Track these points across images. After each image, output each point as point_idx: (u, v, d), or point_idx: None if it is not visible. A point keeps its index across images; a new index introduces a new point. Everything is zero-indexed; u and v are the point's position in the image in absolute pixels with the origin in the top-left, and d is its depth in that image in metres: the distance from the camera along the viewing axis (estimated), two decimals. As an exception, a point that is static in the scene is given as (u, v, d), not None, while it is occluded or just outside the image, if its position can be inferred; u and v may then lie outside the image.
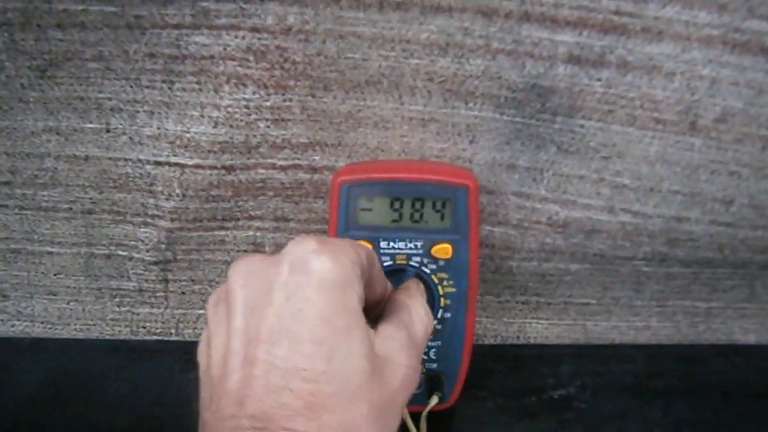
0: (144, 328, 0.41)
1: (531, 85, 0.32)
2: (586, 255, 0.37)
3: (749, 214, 0.34)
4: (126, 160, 0.35)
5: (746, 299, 0.41)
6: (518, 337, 0.41)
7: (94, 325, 0.41)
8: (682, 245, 0.35)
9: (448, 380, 0.33)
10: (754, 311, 0.41)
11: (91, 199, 0.36)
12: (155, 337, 0.41)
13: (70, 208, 0.37)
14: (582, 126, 0.33)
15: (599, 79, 0.31)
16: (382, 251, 0.31)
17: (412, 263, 0.32)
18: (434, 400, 0.32)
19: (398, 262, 0.32)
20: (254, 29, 0.31)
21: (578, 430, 0.35)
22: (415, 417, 0.31)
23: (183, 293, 0.40)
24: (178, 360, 0.39)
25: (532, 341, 0.41)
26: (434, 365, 0.33)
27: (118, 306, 0.40)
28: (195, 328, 0.41)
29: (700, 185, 0.33)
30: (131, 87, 0.32)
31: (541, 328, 0.41)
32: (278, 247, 0.36)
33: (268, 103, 0.33)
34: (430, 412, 0.33)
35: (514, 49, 0.31)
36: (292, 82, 0.32)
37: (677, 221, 0.34)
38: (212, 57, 0.31)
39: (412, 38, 0.31)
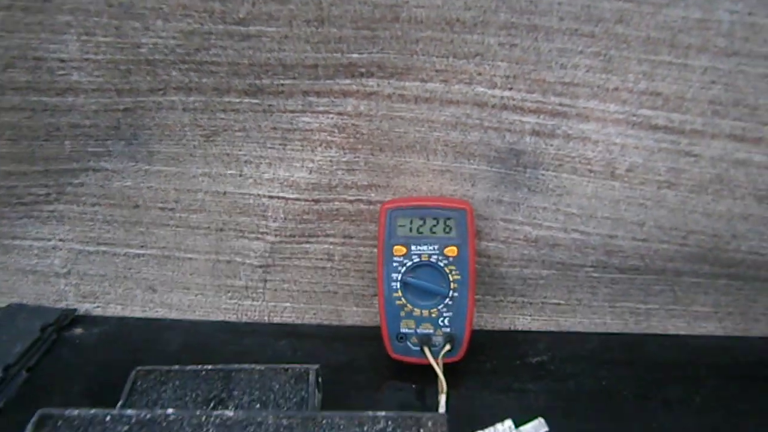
0: (246, 315, 0.58)
1: (510, 149, 0.51)
2: (552, 263, 0.54)
3: (656, 232, 0.51)
4: (250, 194, 0.54)
5: (672, 302, 0.57)
6: (510, 328, 0.58)
7: (212, 312, 0.58)
8: (615, 255, 0.53)
9: (457, 339, 0.50)
10: (679, 312, 0.57)
11: (223, 221, 0.55)
12: (253, 320, 0.58)
13: (208, 227, 0.56)
14: (543, 174, 0.51)
15: (552, 145, 0.50)
16: (412, 252, 0.50)
17: (431, 260, 0.50)
18: (447, 347, 0.49)
19: (423, 258, 0.50)
20: (339, 113, 0.50)
21: (548, 380, 0.51)
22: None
23: (275, 290, 0.58)
24: (268, 337, 0.56)
25: (519, 329, 0.58)
26: (448, 329, 0.50)
27: (230, 299, 0.58)
28: (281, 317, 0.58)
29: (621, 213, 0.51)
30: (260, 147, 0.52)
31: (526, 322, 0.58)
32: (343, 258, 0.55)
33: (344, 159, 0.52)
34: (446, 364, 0.49)
35: (498, 127, 0.50)
36: (360, 146, 0.52)
37: (610, 238, 0.52)
38: (311, 130, 0.51)
39: (435, 119, 0.50)
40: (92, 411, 0.40)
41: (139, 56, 0.47)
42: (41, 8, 0.44)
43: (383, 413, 0.40)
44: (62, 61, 0.46)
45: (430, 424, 0.39)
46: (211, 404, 0.45)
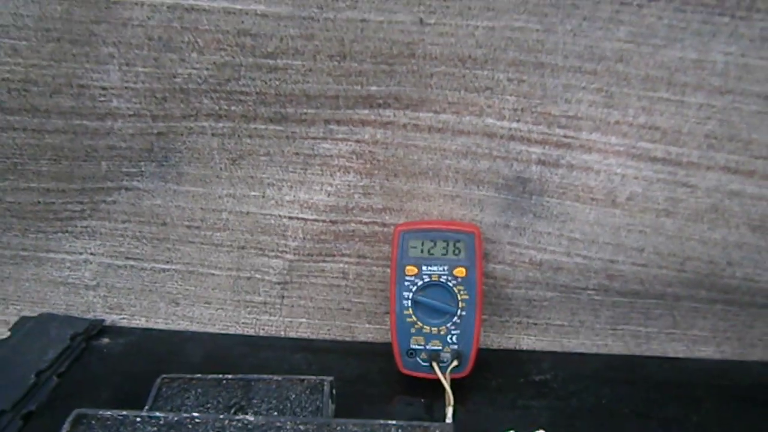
0: (263, 329, 0.61)
1: (516, 177, 0.54)
2: (555, 285, 0.57)
3: (655, 259, 0.54)
4: (271, 215, 0.57)
5: (672, 326, 0.59)
6: (515, 347, 0.60)
7: (231, 326, 0.61)
8: (616, 279, 0.55)
9: (464, 356, 0.53)
10: (679, 336, 0.60)
11: (245, 239, 0.59)
12: (270, 334, 0.61)
13: (231, 245, 0.59)
14: (548, 201, 0.54)
15: (556, 174, 0.53)
16: (423, 272, 0.53)
17: (441, 280, 0.53)
18: (455, 363, 0.52)
19: (433, 278, 0.53)
20: (357, 141, 0.54)
21: (551, 398, 0.54)
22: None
23: (292, 306, 0.61)
24: (284, 351, 0.59)
25: (524, 349, 0.60)
26: (455, 346, 0.53)
27: (249, 313, 0.61)
28: (297, 332, 0.61)
29: (621, 239, 0.54)
30: (282, 171, 0.56)
31: (531, 342, 0.60)
32: (357, 277, 0.58)
33: (361, 183, 0.55)
34: (453, 380, 0.52)
35: (506, 156, 0.54)
36: (376, 171, 0.55)
37: (611, 262, 0.55)
38: (331, 156, 0.55)
39: (447, 148, 0.54)
40: (124, 412, 0.43)
41: (174, 85, 0.50)
42: (87, 41, 0.48)
43: (393, 422, 0.43)
44: (104, 88, 0.50)
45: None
46: (232, 411, 0.48)
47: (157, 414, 0.42)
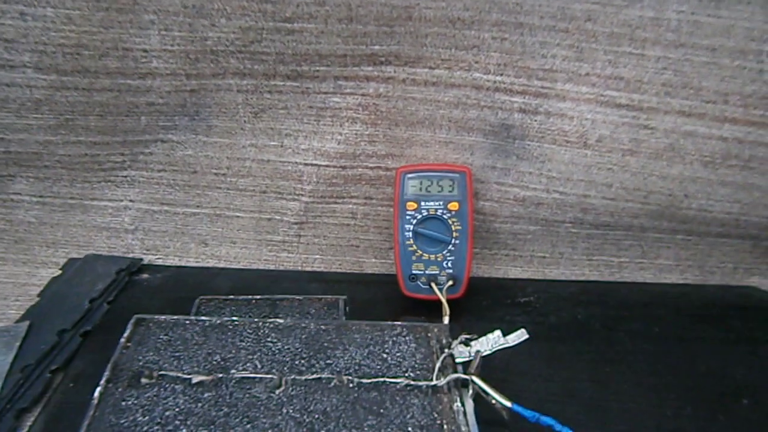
0: (282, 265, 0.70)
1: (501, 124, 0.63)
2: (537, 220, 0.66)
3: (622, 193, 0.62)
4: (289, 162, 0.66)
5: (641, 256, 0.68)
6: (503, 277, 0.69)
7: (254, 262, 0.70)
8: (589, 212, 0.64)
9: (458, 278, 0.62)
10: (647, 265, 0.68)
11: (266, 184, 0.67)
12: (289, 269, 0.70)
13: (254, 190, 0.67)
14: (529, 145, 0.63)
15: (536, 120, 0.62)
16: (421, 207, 0.61)
17: (438, 213, 0.61)
18: (450, 283, 0.60)
19: (430, 212, 0.61)
20: (362, 94, 0.62)
21: (533, 315, 0.62)
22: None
23: (307, 244, 0.69)
24: (302, 282, 0.68)
25: (511, 278, 0.69)
26: (451, 270, 0.62)
27: (269, 251, 0.70)
28: (312, 266, 0.70)
29: (592, 176, 0.62)
30: (298, 123, 0.64)
31: (517, 272, 0.69)
32: (365, 216, 0.67)
33: (367, 132, 0.64)
34: (449, 300, 0.61)
35: (492, 105, 0.62)
36: (379, 121, 0.63)
37: (584, 197, 0.63)
38: (340, 108, 0.63)
39: (441, 99, 0.62)
40: (175, 317, 0.51)
41: (205, 47, 0.59)
42: (131, 9, 0.56)
43: (399, 322, 0.52)
44: (145, 51, 0.59)
45: (435, 330, 0.51)
46: (262, 321, 0.56)
47: (203, 318, 0.51)
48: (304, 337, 0.50)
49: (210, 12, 0.56)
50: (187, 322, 0.51)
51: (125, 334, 0.49)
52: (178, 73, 0.60)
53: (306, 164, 0.65)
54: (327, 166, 0.65)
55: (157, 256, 0.70)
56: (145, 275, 0.68)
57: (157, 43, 0.58)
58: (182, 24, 0.57)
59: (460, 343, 0.50)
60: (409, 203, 0.61)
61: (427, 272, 0.61)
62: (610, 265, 0.68)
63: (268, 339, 0.49)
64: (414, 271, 0.62)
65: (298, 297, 0.59)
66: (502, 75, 0.60)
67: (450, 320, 0.57)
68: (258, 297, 0.59)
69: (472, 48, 0.59)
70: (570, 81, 0.59)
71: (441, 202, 0.61)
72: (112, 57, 0.58)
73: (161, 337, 0.49)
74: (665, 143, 0.60)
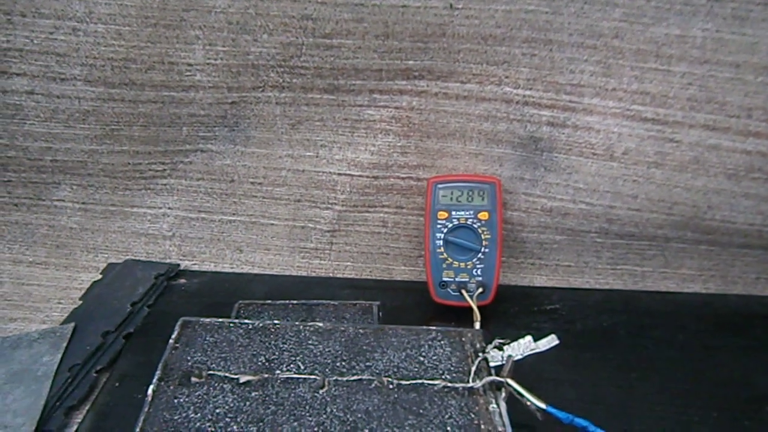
0: (314, 272, 0.72)
1: (530, 137, 0.65)
2: (563, 230, 0.67)
3: (647, 204, 0.64)
4: (323, 172, 0.68)
5: (664, 266, 0.70)
6: (529, 284, 0.71)
7: (287, 269, 0.72)
8: (615, 223, 0.66)
9: (487, 286, 0.64)
10: (670, 274, 0.70)
11: (300, 193, 0.69)
12: (321, 276, 0.72)
13: (288, 198, 0.70)
14: (556, 157, 0.65)
15: (563, 133, 0.64)
16: (452, 216, 0.63)
17: (468, 222, 0.63)
18: (480, 290, 0.62)
19: (461, 221, 0.63)
20: (396, 107, 0.64)
21: (560, 322, 0.64)
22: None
23: (339, 252, 0.72)
24: (334, 288, 0.70)
25: (537, 286, 0.71)
26: (480, 277, 0.64)
27: (302, 258, 0.72)
28: (344, 273, 0.72)
29: (618, 187, 0.64)
30: (333, 134, 0.66)
31: (543, 280, 0.71)
32: (395, 225, 0.69)
33: (399, 144, 0.66)
34: (478, 307, 0.62)
35: (521, 119, 0.64)
36: (411, 133, 0.65)
37: (610, 208, 0.65)
38: (374, 120, 0.65)
39: (471, 113, 0.64)
40: (220, 319, 0.54)
41: (247, 61, 0.61)
42: (178, 25, 0.59)
43: (434, 327, 0.54)
44: (189, 65, 0.61)
45: (469, 335, 0.53)
46: (300, 325, 0.58)
47: (246, 321, 0.54)
48: (343, 340, 0.52)
49: (253, 28, 0.59)
50: (231, 324, 0.53)
51: (173, 336, 0.51)
52: (220, 86, 0.62)
53: (340, 174, 0.67)
54: (360, 176, 0.67)
55: (193, 262, 0.72)
56: (183, 280, 0.70)
57: (201, 57, 0.61)
58: (226, 39, 0.60)
59: (494, 347, 0.52)
60: (440, 212, 0.63)
61: (457, 279, 0.63)
62: (633, 275, 0.70)
63: (309, 342, 0.51)
64: (444, 279, 0.64)
65: (333, 302, 0.62)
66: (531, 89, 0.62)
67: (480, 325, 0.59)
68: (295, 302, 0.62)
69: (503, 63, 0.61)
70: (597, 96, 0.61)
71: (471, 212, 0.63)
72: (158, 70, 0.61)
73: (207, 338, 0.51)
74: (690, 156, 0.61)
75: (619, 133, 0.62)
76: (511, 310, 0.66)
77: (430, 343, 0.52)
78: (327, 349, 0.50)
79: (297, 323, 0.53)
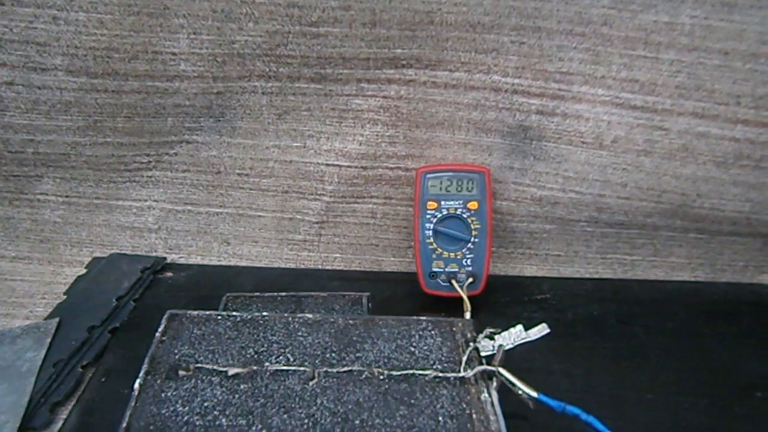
0: (303, 264, 0.71)
1: (519, 126, 0.64)
2: (553, 219, 0.67)
3: (636, 192, 0.64)
4: (311, 163, 0.67)
5: (653, 254, 0.70)
6: (519, 275, 0.71)
7: (275, 261, 0.71)
8: (604, 211, 0.66)
9: (477, 276, 0.63)
10: (659, 263, 0.70)
11: (288, 185, 0.69)
12: (309, 268, 0.71)
13: (276, 190, 0.69)
14: (546, 146, 0.64)
15: (552, 122, 0.63)
16: (441, 206, 0.63)
17: (457, 212, 0.63)
18: (470, 280, 0.62)
19: (450, 211, 0.63)
20: (384, 97, 0.64)
21: (550, 311, 0.64)
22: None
23: (328, 243, 0.71)
24: (323, 280, 0.69)
25: (527, 275, 0.71)
26: (470, 267, 0.63)
27: (290, 250, 0.71)
28: (332, 265, 0.71)
29: (607, 176, 0.64)
30: (320, 124, 0.66)
31: (533, 270, 0.71)
32: (384, 216, 0.68)
33: (387, 133, 0.65)
34: (469, 297, 0.62)
35: (510, 107, 0.64)
36: (400, 123, 0.65)
37: (599, 197, 0.65)
38: (362, 110, 0.65)
39: (460, 102, 0.64)
40: (207, 312, 0.53)
41: (232, 50, 0.60)
42: (162, 14, 0.58)
43: (425, 317, 0.53)
44: (174, 54, 0.60)
45: (460, 324, 0.52)
46: (289, 317, 0.58)
47: (234, 313, 0.53)
48: (333, 331, 0.51)
49: (238, 16, 0.58)
50: (219, 317, 0.52)
51: (160, 329, 0.50)
52: (205, 76, 0.61)
53: (328, 165, 0.67)
54: (348, 166, 0.66)
55: (180, 255, 0.71)
56: (169, 274, 0.70)
57: (186, 46, 0.59)
58: (211, 28, 0.59)
59: (485, 336, 0.52)
60: (429, 202, 0.62)
61: (447, 270, 0.63)
62: (623, 263, 0.70)
63: (299, 333, 0.51)
64: (434, 269, 0.63)
65: (322, 294, 0.61)
66: (520, 78, 0.61)
67: (471, 316, 0.59)
68: (283, 294, 0.61)
69: (492, 51, 0.60)
70: (586, 83, 0.61)
71: (461, 201, 0.62)
72: (141, 60, 0.60)
73: (195, 331, 0.50)
74: (679, 144, 0.61)
75: (608, 121, 0.62)
76: (501, 300, 0.65)
77: (420, 333, 0.51)
78: (316, 341, 0.50)
79: (286, 315, 0.53)
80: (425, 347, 0.50)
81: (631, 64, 0.60)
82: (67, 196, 0.69)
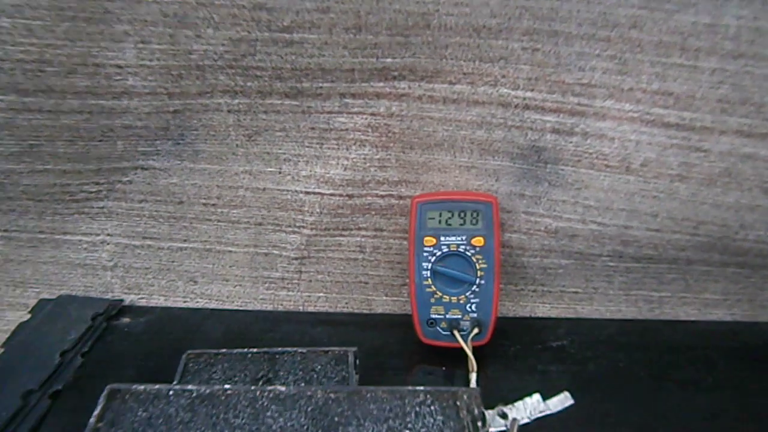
0: (282, 305, 0.62)
1: (531, 146, 0.55)
2: (570, 253, 0.58)
3: (669, 223, 0.55)
4: (288, 190, 0.58)
5: (684, 290, 0.60)
6: (530, 315, 0.61)
7: (250, 302, 0.62)
8: (630, 245, 0.56)
9: (484, 323, 0.54)
10: (691, 299, 0.61)
11: (262, 215, 0.59)
12: (289, 310, 0.62)
13: (248, 222, 0.59)
14: (562, 170, 0.55)
15: (571, 142, 0.54)
16: (441, 242, 0.53)
17: (459, 250, 0.53)
18: (475, 331, 0.53)
19: (452, 249, 0.53)
20: (372, 114, 0.54)
21: (568, 363, 0.55)
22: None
23: (310, 281, 0.61)
24: (304, 325, 0.60)
25: (539, 316, 0.61)
26: (475, 314, 0.54)
27: (267, 289, 0.62)
28: (315, 306, 0.62)
29: (635, 205, 0.55)
30: (298, 146, 0.56)
31: (545, 309, 0.61)
32: (374, 250, 0.59)
33: (377, 156, 0.56)
34: (474, 347, 0.53)
35: (520, 125, 0.54)
36: (391, 144, 0.55)
37: (625, 228, 0.56)
38: (347, 129, 0.55)
39: (462, 119, 0.54)
40: (156, 386, 0.43)
41: (190, 62, 0.50)
42: (102, 18, 0.48)
43: (422, 388, 0.44)
44: (119, 67, 0.50)
45: (465, 397, 0.43)
46: (260, 383, 0.49)
47: (189, 387, 0.43)
48: (310, 409, 0.42)
49: (194, 21, 0.48)
50: (171, 393, 0.42)
51: (96, 412, 0.41)
52: (159, 92, 0.52)
53: (307, 193, 0.57)
54: (331, 194, 0.57)
55: (140, 296, 0.62)
56: (126, 319, 0.60)
57: (133, 57, 0.50)
58: (162, 35, 0.49)
59: (497, 414, 0.42)
60: (426, 238, 0.53)
61: (447, 317, 0.54)
62: (649, 300, 0.61)
63: (267, 414, 0.41)
64: (433, 316, 0.54)
65: (300, 350, 0.52)
66: (533, 90, 0.52)
67: (477, 376, 0.49)
68: (255, 350, 0.52)
69: (499, 60, 0.51)
70: (611, 97, 0.52)
71: (463, 237, 0.53)
72: (80, 74, 0.50)
73: (140, 413, 0.41)
74: (720, 167, 0.52)
75: (636, 141, 0.53)
76: (511, 349, 0.56)
77: (417, 409, 0.42)
78: (289, 423, 0.41)
79: (253, 388, 0.43)
80: (423, 429, 0.41)
81: (665, 74, 0.51)
82: (5, 230, 0.60)
